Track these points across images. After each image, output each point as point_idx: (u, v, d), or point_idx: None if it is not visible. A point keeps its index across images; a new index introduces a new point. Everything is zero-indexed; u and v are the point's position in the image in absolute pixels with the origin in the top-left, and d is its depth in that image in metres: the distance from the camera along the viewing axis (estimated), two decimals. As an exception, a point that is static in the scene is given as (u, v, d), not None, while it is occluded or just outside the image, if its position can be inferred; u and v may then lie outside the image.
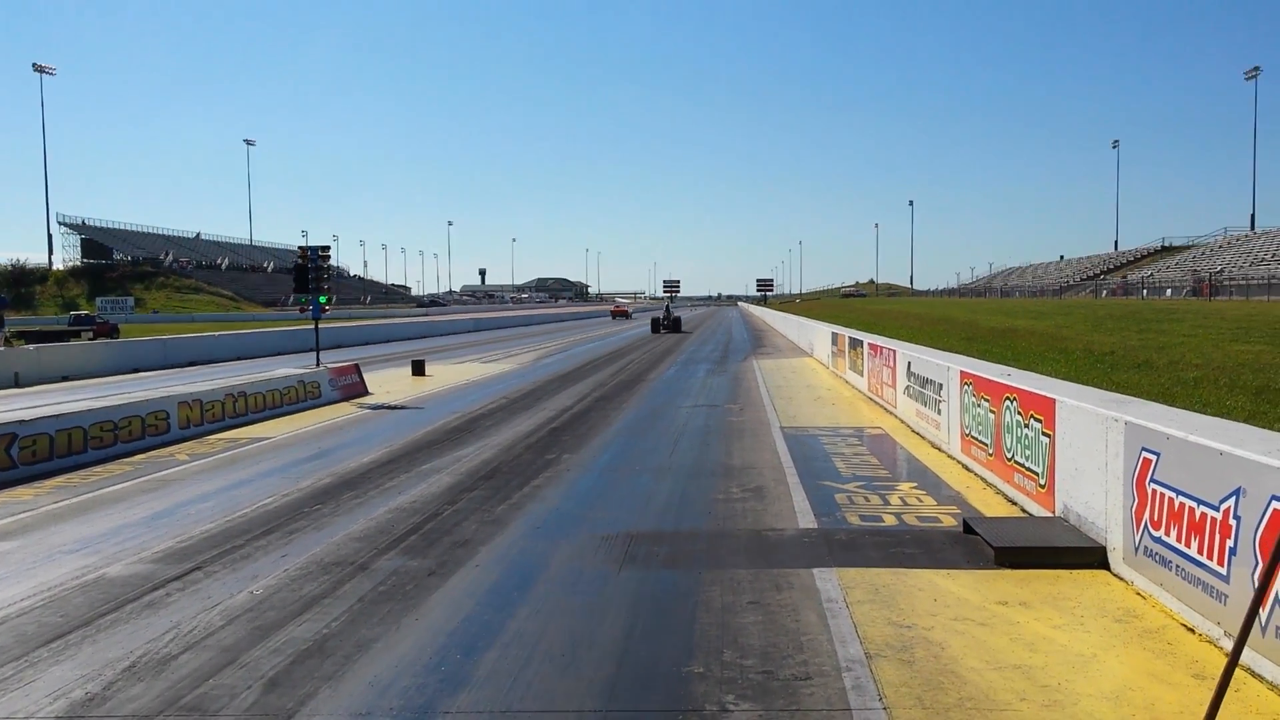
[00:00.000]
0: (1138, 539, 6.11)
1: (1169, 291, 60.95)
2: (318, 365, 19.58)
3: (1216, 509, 5.18)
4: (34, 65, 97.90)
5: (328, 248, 20.27)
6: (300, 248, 20.17)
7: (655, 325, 50.49)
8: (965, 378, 10.63)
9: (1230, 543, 5.02)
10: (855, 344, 19.70)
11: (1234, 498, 5.01)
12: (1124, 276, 76.32)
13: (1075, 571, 6.53)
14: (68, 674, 5.00)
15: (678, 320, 52.27)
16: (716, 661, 5.03)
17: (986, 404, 9.67)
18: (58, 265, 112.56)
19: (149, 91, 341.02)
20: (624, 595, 6.21)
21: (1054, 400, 7.77)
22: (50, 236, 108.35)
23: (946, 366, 11.56)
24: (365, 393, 19.58)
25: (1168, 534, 5.71)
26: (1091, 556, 6.69)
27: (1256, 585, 4.39)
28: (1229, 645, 5.00)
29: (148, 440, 13.08)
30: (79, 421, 11.99)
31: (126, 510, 9.06)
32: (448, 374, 24.52)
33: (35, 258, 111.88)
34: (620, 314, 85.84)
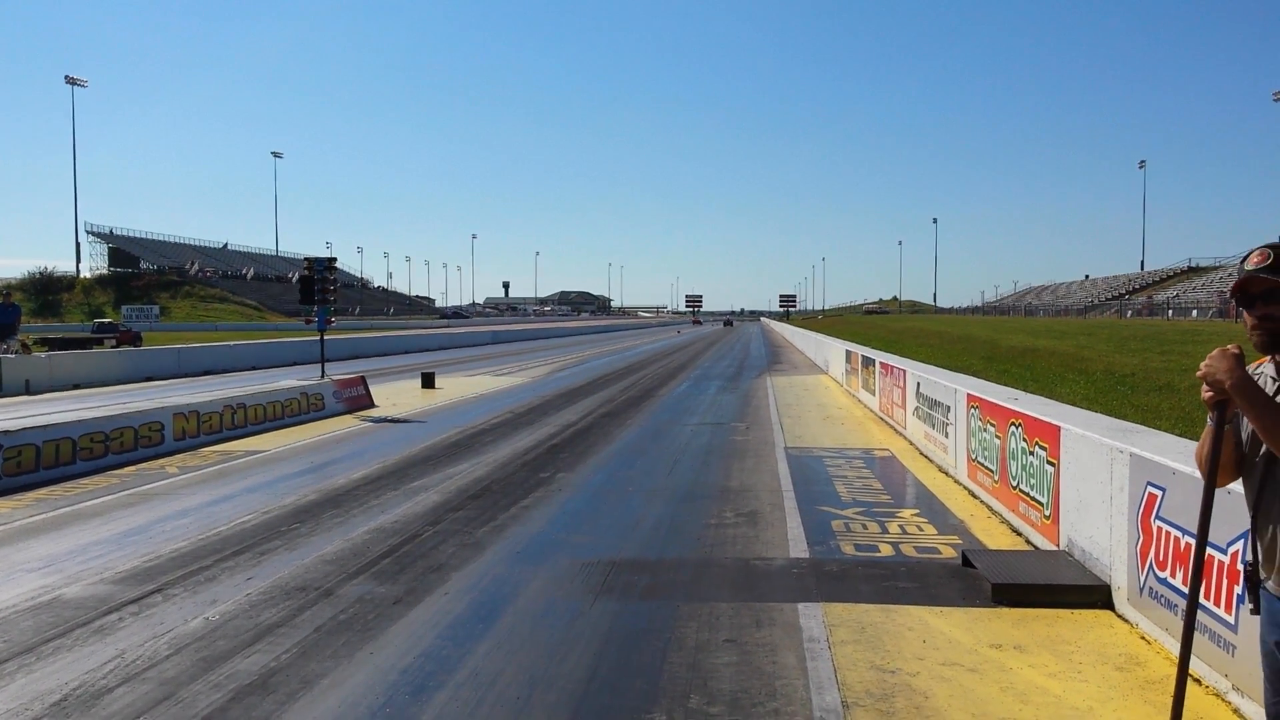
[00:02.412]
0: (1143, 579, 5.72)
1: (1195, 312, 60.08)
2: (322, 377, 19.39)
3: (1224, 552, 4.79)
4: (66, 78, 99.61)
5: (334, 259, 20.09)
6: (306, 259, 20.01)
7: (724, 323, 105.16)
8: (972, 400, 10.24)
9: (1239, 589, 4.62)
10: (868, 362, 19.29)
11: (1243, 540, 4.62)
12: (1149, 296, 75.34)
13: (1077, 611, 6.12)
14: (-9, 708, 4.73)
15: (731, 322, 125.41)
16: (680, 708, 4.67)
17: (993, 429, 9.28)
18: (85, 273, 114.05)
19: (179, 103, 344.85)
20: (594, 630, 5.86)
21: (1059, 427, 7.38)
22: (78, 245, 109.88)
23: (954, 389, 11.16)
24: (370, 405, 19.33)
25: (1173, 576, 5.32)
26: (1095, 595, 6.28)
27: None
28: (1238, 700, 4.61)
29: (140, 452, 12.86)
30: (68, 433, 11.78)
31: (101, 526, 8.81)
32: (458, 386, 24.28)
33: (63, 266, 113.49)
34: (696, 322, 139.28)
